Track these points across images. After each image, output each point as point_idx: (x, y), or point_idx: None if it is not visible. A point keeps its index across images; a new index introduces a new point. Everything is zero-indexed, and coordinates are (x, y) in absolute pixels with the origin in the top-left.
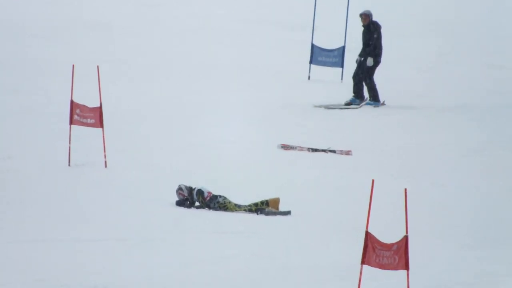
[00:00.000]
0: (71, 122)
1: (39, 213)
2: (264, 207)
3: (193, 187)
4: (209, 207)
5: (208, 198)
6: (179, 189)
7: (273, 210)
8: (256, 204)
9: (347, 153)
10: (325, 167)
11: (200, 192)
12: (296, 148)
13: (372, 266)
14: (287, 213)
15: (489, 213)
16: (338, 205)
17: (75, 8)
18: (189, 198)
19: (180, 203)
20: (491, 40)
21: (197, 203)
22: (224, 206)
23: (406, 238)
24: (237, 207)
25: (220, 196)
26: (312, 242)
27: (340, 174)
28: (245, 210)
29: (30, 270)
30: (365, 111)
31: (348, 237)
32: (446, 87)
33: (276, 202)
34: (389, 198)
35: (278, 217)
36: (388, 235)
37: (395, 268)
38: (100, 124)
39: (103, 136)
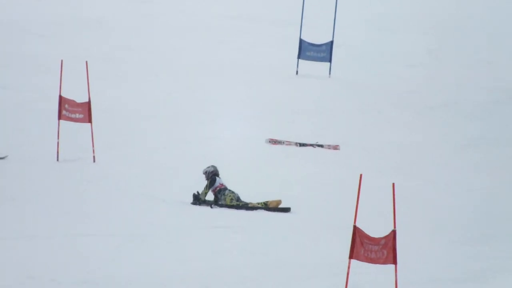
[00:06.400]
0: (59, 117)
1: (29, 210)
2: (260, 206)
3: (215, 175)
4: (217, 198)
5: (217, 189)
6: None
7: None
8: (258, 204)
9: (335, 147)
10: (314, 162)
11: (213, 180)
12: (283, 142)
13: (360, 260)
14: (287, 209)
15: (479, 210)
16: (328, 200)
17: (70, 6)
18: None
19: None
20: (481, 36)
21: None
22: (225, 200)
23: (394, 233)
24: (232, 203)
25: (230, 190)
26: (303, 238)
27: (329, 169)
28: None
29: (21, 266)
30: (354, 107)
31: (338, 233)
32: (436, 84)
33: (277, 204)
34: (378, 193)
35: (269, 212)
36: (377, 230)
37: (383, 262)
38: (89, 119)
39: (92, 131)
